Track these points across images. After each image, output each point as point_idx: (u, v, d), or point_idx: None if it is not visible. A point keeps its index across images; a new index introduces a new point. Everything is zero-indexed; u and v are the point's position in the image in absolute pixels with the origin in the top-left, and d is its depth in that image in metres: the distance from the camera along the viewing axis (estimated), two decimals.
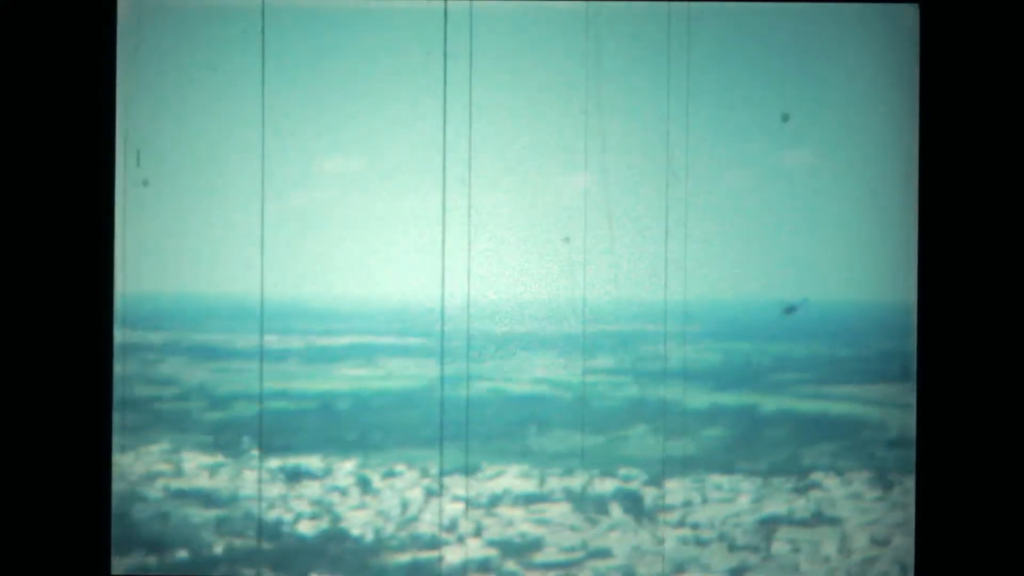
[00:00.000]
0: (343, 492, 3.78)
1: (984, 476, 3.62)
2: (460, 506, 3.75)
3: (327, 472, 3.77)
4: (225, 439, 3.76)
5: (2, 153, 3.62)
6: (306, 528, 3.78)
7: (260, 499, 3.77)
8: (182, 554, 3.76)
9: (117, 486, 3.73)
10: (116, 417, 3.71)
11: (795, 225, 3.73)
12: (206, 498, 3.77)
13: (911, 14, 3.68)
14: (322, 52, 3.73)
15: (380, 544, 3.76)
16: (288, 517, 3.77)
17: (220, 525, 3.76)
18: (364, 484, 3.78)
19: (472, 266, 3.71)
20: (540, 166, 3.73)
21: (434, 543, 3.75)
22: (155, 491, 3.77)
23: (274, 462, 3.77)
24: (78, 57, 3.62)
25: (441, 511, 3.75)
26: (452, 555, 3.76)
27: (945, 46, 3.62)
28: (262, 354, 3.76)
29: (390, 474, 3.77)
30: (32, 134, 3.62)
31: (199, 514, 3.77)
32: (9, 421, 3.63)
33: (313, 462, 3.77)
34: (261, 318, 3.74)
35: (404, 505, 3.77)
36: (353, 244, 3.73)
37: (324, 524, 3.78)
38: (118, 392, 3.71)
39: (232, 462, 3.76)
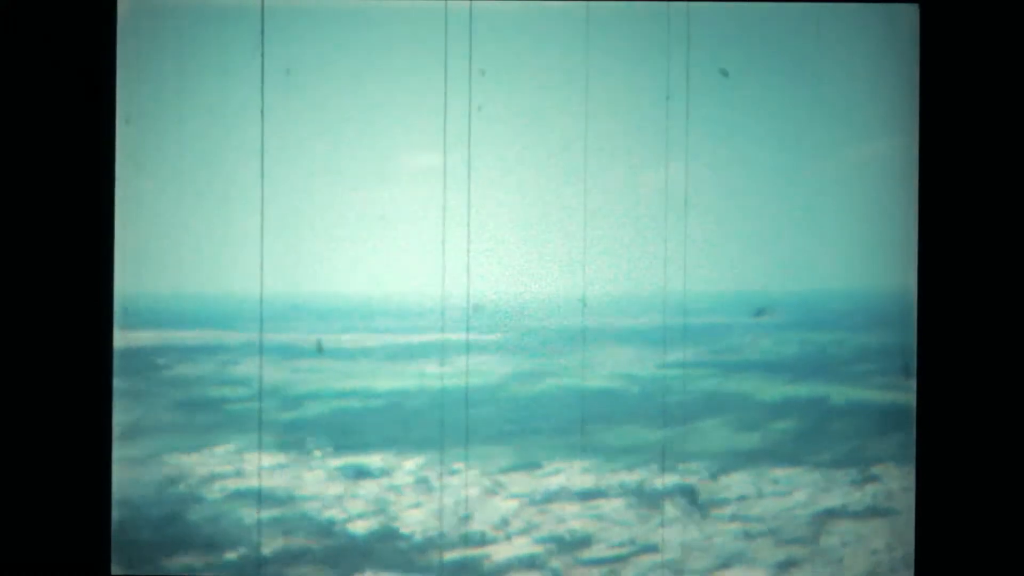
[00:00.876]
0: (399, 491, 3.79)
1: (985, 474, 3.62)
2: (514, 503, 3.76)
3: (388, 471, 3.78)
4: (290, 440, 3.76)
5: (2, 153, 3.62)
6: (359, 527, 3.78)
7: (260, 497, 3.77)
8: (231, 555, 3.76)
9: (174, 488, 3.75)
10: (185, 418, 3.73)
11: (798, 222, 3.73)
12: (263, 498, 3.78)
13: (911, 14, 3.68)
14: (322, 52, 3.73)
15: (429, 543, 3.77)
16: (342, 516, 3.78)
17: (273, 526, 3.76)
18: (422, 483, 3.78)
19: (544, 264, 3.72)
20: (540, 166, 3.74)
21: (483, 541, 3.76)
22: (213, 492, 3.77)
23: (337, 461, 3.77)
24: (78, 57, 3.62)
25: (493, 509, 3.77)
26: (499, 553, 3.77)
27: (945, 46, 3.62)
28: (261, 349, 3.76)
29: (449, 472, 3.78)
30: (32, 133, 3.62)
31: (253, 515, 3.78)
32: (9, 421, 3.63)
33: (375, 461, 3.78)
34: (260, 316, 3.74)
35: (458, 503, 3.78)
36: (392, 241, 3.73)
37: (377, 523, 3.79)
38: (190, 393, 3.73)
39: (294, 463, 3.76)
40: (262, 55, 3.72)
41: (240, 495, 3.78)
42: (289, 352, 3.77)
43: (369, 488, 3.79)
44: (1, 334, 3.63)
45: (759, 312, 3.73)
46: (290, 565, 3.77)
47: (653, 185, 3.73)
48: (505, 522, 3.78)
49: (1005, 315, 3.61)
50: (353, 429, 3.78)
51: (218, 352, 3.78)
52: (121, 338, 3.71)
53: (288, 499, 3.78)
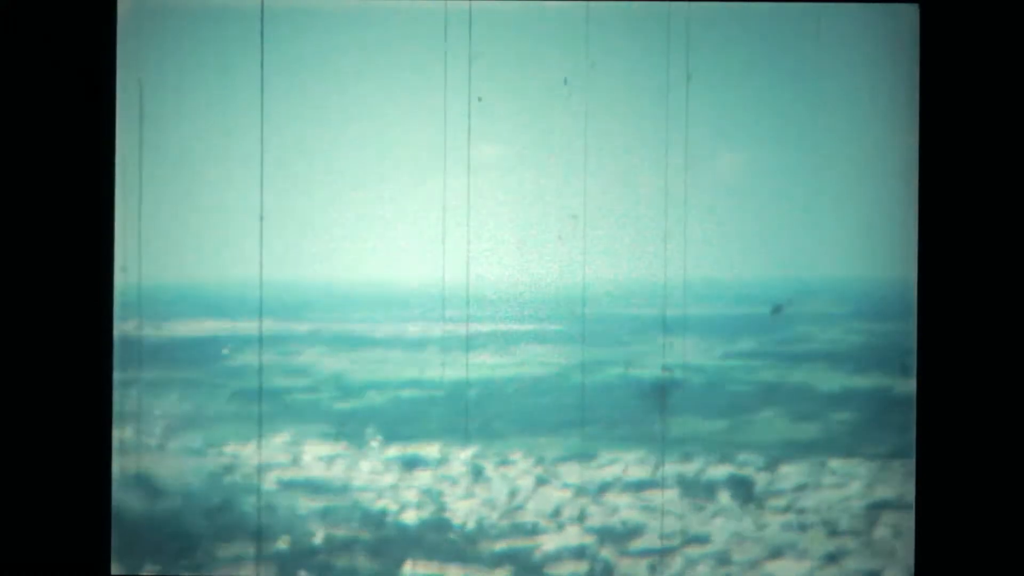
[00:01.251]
0: (454, 481, 3.79)
1: (986, 470, 3.62)
2: (567, 493, 3.76)
3: (442, 461, 3.78)
4: (348, 429, 3.76)
5: (3, 152, 3.63)
6: (410, 517, 3.79)
7: (259, 492, 3.77)
8: (282, 544, 3.76)
9: (230, 477, 3.75)
10: (243, 408, 3.74)
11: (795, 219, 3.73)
12: (317, 488, 3.78)
13: (911, 14, 3.68)
14: (322, 52, 3.73)
15: (479, 532, 3.77)
16: (393, 506, 3.78)
17: (325, 515, 3.76)
18: (477, 473, 3.78)
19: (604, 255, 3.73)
20: (540, 166, 3.74)
21: (533, 531, 3.76)
22: (267, 482, 3.77)
23: (392, 451, 3.77)
24: (78, 57, 3.62)
25: (545, 499, 3.77)
26: (549, 543, 3.77)
27: (945, 46, 3.62)
28: (261, 344, 3.76)
29: (504, 462, 3.78)
30: (33, 133, 3.62)
31: (306, 504, 3.78)
32: (8, 421, 3.63)
33: (431, 451, 3.78)
34: (260, 308, 3.75)
35: (512, 493, 3.78)
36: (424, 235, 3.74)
37: (427, 513, 3.79)
38: (253, 382, 3.74)
39: (350, 452, 3.76)
40: (262, 55, 3.72)
41: (293, 485, 3.78)
42: (347, 341, 3.76)
43: (422, 478, 3.78)
44: (1, 335, 3.63)
45: (776, 309, 3.73)
46: (338, 555, 3.76)
47: (653, 185, 3.73)
48: (557, 512, 3.78)
49: (1002, 313, 3.61)
50: (410, 418, 3.77)
51: (281, 342, 3.77)
52: (183, 328, 3.71)
53: (342, 489, 3.78)
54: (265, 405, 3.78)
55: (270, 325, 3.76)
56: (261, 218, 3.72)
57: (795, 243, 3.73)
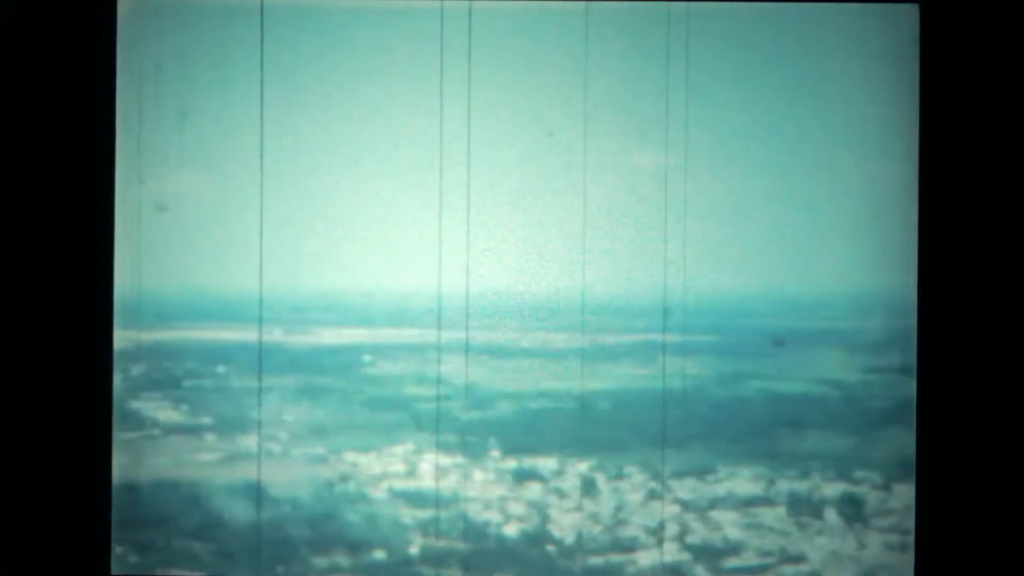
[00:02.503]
0: (562, 494, 3.78)
1: (987, 473, 3.62)
2: (675, 508, 3.75)
3: (557, 473, 3.76)
4: (468, 440, 3.76)
5: (3, 152, 3.63)
6: (512, 530, 3.78)
7: (259, 486, 3.78)
8: (377, 555, 3.76)
9: (343, 487, 3.76)
10: (371, 417, 3.74)
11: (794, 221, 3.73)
12: (423, 499, 3.77)
13: (911, 14, 3.67)
14: (322, 52, 3.73)
15: (577, 547, 3.76)
16: (497, 519, 3.77)
17: (428, 526, 3.76)
18: (587, 486, 3.77)
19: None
20: (540, 166, 3.74)
21: (632, 546, 3.75)
22: (379, 491, 3.77)
23: (511, 462, 3.76)
24: (78, 57, 3.63)
25: (651, 513, 3.76)
26: (645, 559, 3.75)
27: (945, 46, 3.61)
28: (260, 347, 3.77)
29: (617, 475, 3.77)
30: (33, 132, 3.63)
31: (409, 514, 3.77)
32: (9, 421, 3.63)
33: (548, 463, 3.77)
34: (259, 316, 3.75)
35: (617, 508, 3.77)
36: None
37: (530, 526, 3.78)
38: (391, 391, 3.73)
39: (467, 463, 3.76)
40: (262, 55, 3.72)
41: (403, 495, 3.77)
42: (487, 351, 3.75)
43: (533, 490, 3.77)
44: (1, 335, 3.64)
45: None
46: (431, 566, 3.76)
47: (653, 185, 3.73)
48: (660, 527, 3.76)
49: (1003, 313, 3.61)
50: (535, 430, 3.75)
51: (420, 351, 3.76)
52: (328, 335, 3.72)
53: (451, 500, 3.76)
54: (395, 413, 3.76)
55: (413, 334, 3.74)
56: (261, 226, 3.72)
57: (795, 243, 3.73)
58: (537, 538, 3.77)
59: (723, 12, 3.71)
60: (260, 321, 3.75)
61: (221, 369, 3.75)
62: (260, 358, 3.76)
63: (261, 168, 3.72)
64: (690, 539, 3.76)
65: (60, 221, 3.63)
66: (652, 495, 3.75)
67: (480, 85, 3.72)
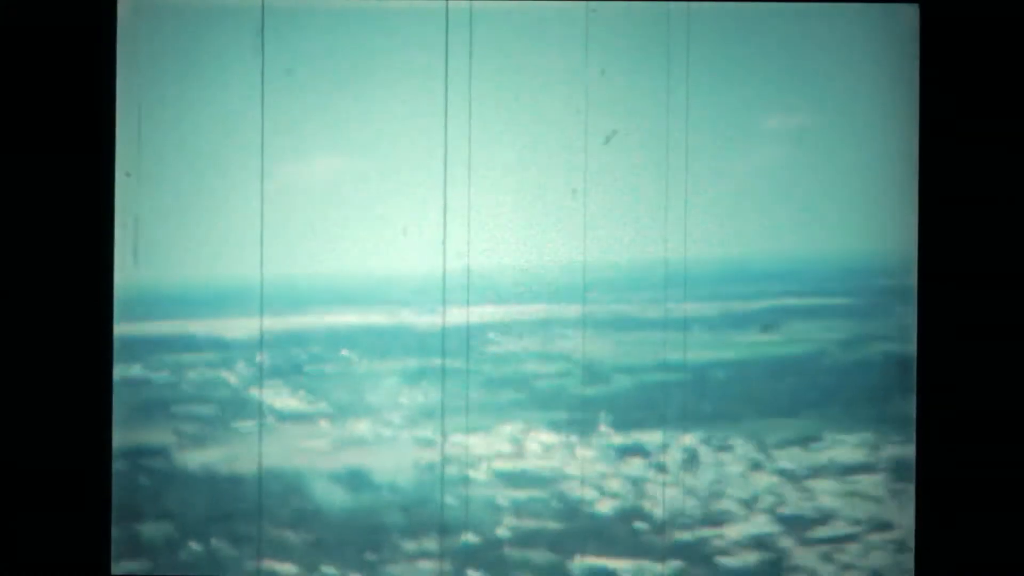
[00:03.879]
0: (663, 469, 3.73)
1: (986, 474, 3.63)
2: (773, 479, 3.73)
3: (662, 448, 3.72)
4: (582, 416, 3.73)
5: (3, 151, 3.63)
6: (605, 507, 3.75)
7: (260, 480, 3.78)
8: (469, 537, 3.73)
9: (444, 470, 3.73)
10: (489, 397, 3.71)
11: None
12: (523, 479, 3.75)
13: (911, 14, 3.68)
14: (322, 52, 3.73)
15: (668, 522, 3.73)
16: (591, 496, 3.74)
17: (523, 506, 3.73)
18: (690, 459, 3.73)
19: None
20: (540, 166, 3.74)
21: (722, 520, 3.73)
22: (480, 472, 3.74)
23: (618, 438, 3.72)
24: (78, 57, 3.62)
25: (748, 485, 3.73)
26: (732, 532, 3.73)
27: (945, 46, 3.62)
28: (261, 337, 3.77)
29: (722, 448, 3.73)
30: (33, 132, 3.62)
31: (507, 496, 3.74)
32: (8, 419, 3.63)
33: (654, 438, 3.72)
34: (261, 305, 3.75)
35: (717, 480, 3.74)
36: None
37: (625, 503, 3.74)
38: (508, 370, 3.70)
39: (573, 440, 3.73)
40: (262, 55, 3.72)
41: (504, 476, 3.74)
42: (614, 324, 3.72)
43: (634, 466, 3.74)
44: (2, 335, 3.63)
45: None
46: (518, 547, 3.73)
47: (653, 185, 3.73)
48: (755, 499, 3.74)
49: (1000, 313, 3.62)
50: (646, 404, 3.72)
51: (545, 327, 3.72)
52: (445, 315, 3.71)
53: (551, 479, 3.73)
54: (512, 392, 3.73)
55: (536, 309, 3.71)
56: (261, 228, 3.72)
57: (795, 243, 3.73)
58: (628, 515, 3.75)
59: (723, 12, 3.71)
60: (261, 307, 3.75)
61: (344, 353, 3.75)
62: (261, 345, 3.76)
63: (261, 168, 3.72)
64: (783, 510, 3.74)
65: (60, 221, 3.63)
66: (754, 466, 3.73)
67: (480, 85, 3.72)
